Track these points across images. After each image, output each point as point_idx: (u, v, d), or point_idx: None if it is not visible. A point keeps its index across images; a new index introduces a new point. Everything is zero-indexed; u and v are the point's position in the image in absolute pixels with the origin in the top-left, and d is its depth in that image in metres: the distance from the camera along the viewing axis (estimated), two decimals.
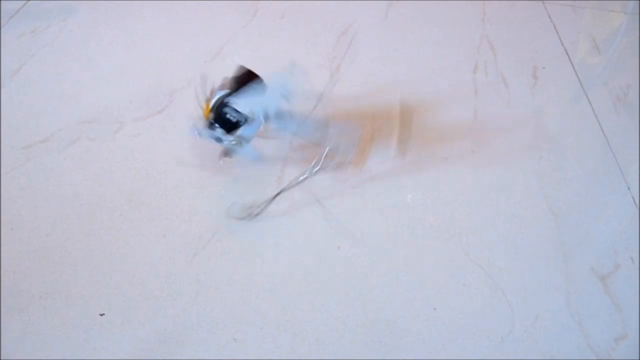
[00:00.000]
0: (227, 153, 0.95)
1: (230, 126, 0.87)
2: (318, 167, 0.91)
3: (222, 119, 0.86)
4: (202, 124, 0.87)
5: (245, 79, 0.89)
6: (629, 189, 1.01)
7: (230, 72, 1.18)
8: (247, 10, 1.38)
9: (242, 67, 0.90)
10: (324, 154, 0.91)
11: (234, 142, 0.89)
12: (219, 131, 0.87)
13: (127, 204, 0.92)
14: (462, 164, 1.03)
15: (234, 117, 0.86)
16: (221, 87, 0.87)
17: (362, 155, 0.95)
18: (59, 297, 0.79)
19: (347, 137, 0.93)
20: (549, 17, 1.45)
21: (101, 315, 0.77)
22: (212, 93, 0.88)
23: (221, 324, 0.77)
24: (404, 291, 0.83)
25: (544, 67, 1.28)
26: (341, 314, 0.80)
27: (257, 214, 0.89)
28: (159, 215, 0.90)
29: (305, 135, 0.93)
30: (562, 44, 1.35)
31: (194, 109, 0.90)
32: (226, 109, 0.85)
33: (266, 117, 0.89)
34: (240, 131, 0.87)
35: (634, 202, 0.99)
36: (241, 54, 1.24)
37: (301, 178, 0.92)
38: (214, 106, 0.85)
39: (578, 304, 0.84)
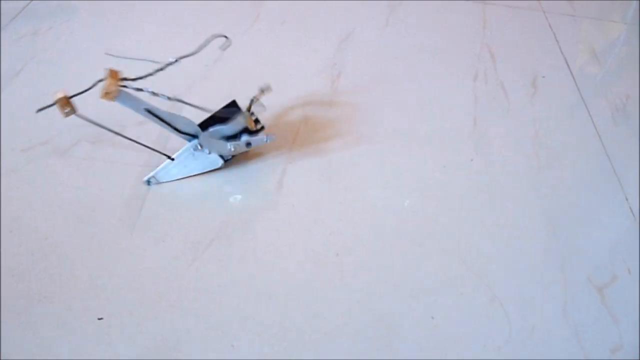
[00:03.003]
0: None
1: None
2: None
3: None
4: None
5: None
6: (626, 199, 1.02)
7: (230, 76, 1.19)
8: (248, 15, 1.39)
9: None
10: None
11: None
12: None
13: (126, 207, 0.92)
14: (461, 171, 1.03)
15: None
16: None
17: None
18: (58, 300, 0.79)
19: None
20: (549, 26, 1.46)
21: (99, 319, 0.77)
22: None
23: (219, 330, 0.78)
24: (403, 299, 0.83)
25: (543, 76, 1.28)
26: (339, 322, 0.80)
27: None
28: (158, 219, 0.91)
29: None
30: (562, 53, 1.36)
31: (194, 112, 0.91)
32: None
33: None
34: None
35: (632, 212, 1.00)
36: (242, 58, 1.25)
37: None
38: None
39: (575, 314, 0.84)
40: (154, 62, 0.83)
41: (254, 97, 0.97)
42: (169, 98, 0.82)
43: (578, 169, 1.07)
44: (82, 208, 0.91)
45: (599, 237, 0.95)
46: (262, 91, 0.97)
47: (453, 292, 0.85)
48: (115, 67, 0.81)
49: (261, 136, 0.95)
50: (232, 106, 0.97)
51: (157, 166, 0.94)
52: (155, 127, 0.87)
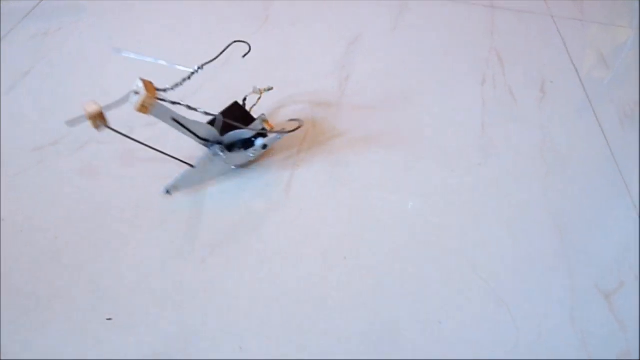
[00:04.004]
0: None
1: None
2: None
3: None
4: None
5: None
6: (634, 205, 1.02)
7: (238, 77, 1.20)
8: (257, 17, 1.39)
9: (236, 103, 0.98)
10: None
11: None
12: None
13: (136, 208, 0.92)
14: (469, 176, 1.04)
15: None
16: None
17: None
18: (67, 300, 0.79)
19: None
20: (558, 31, 1.45)
21: (108, 319, 0.78)
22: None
23: (227, 332, 0.78)
24: (409, 303, 0.84)
25: (552, 82, 1.28)
26: (346, 325, 0.80)
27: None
28: (167, 220, 0.91)
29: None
30: (571, 59, 1.36)
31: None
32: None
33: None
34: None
35: None
36: (251, 60, 1.25)
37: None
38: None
39: (582, 321, 0.84)
40: (168, 64, 0.84)
41: (247, 96, 0.97)
42: (205, 113, 0.83)
43: (586, 174, 1.07)
44: (91, 209, 0.92)
45: (607, 243, 0.95)
46: (260, 91, 0.97)
47: (460, 297, 0.85)
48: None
49: (274, 135, 0.95)
50: (235, 107, 0.98)
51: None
52: (162, 129, 0.87)
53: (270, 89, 1.00)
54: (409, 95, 1.21)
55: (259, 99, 1.00)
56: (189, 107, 0.81)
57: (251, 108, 1.00)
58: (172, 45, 1.27)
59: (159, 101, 0.78)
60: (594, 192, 1.04)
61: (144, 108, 0.76)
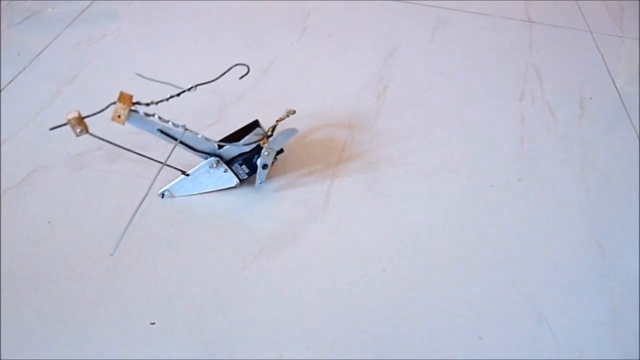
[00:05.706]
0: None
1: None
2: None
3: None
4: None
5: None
6: None
7: (278, 88, 1.21)
8: (295, 28, 1.41)
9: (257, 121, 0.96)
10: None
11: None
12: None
13: (179, 215, 0.94)
14: (508, 191, 1.03)
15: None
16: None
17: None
18: (112, 304, 0.81)
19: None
20: (597, 47, 1.44)
21: (152, 324, 0.79)
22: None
23: (268, 340, 0.79)
24: (450, 317, 0.84)
25: (591, 98, 1.27)
26: (386, 338, 0.80)
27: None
28: (208, 227, 0.92)
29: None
30: (610, 75, 1.35)
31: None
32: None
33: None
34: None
35: None
36: (289, 70, 1.27)
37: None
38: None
39: (624, 341, 0.83)
40: (176, 87, 0.86)
41: (278, 120, 0.95)
42: (174, 124, 0.83)
43: (627, 192, 1.06)
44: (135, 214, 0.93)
45: None
46: (288, 114, 0.96)
47: (500, 313, 0.85)
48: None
49: (267, 153, 0.91)
50: (253, 125, 0.96)
51: (170, 178, 0.95)
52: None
53: (293, 112, 0.97)
54: (447, 109, 1.21)
55: (281, 120, 0.96)
56: (160, 118, 0.82)
57: (270, 128, 0.94)
58: (215, 57, 1.29)
59: (135, 113, 0.80)
60: (635, 210, 1.03)
61: (117, 117, 0.79)
